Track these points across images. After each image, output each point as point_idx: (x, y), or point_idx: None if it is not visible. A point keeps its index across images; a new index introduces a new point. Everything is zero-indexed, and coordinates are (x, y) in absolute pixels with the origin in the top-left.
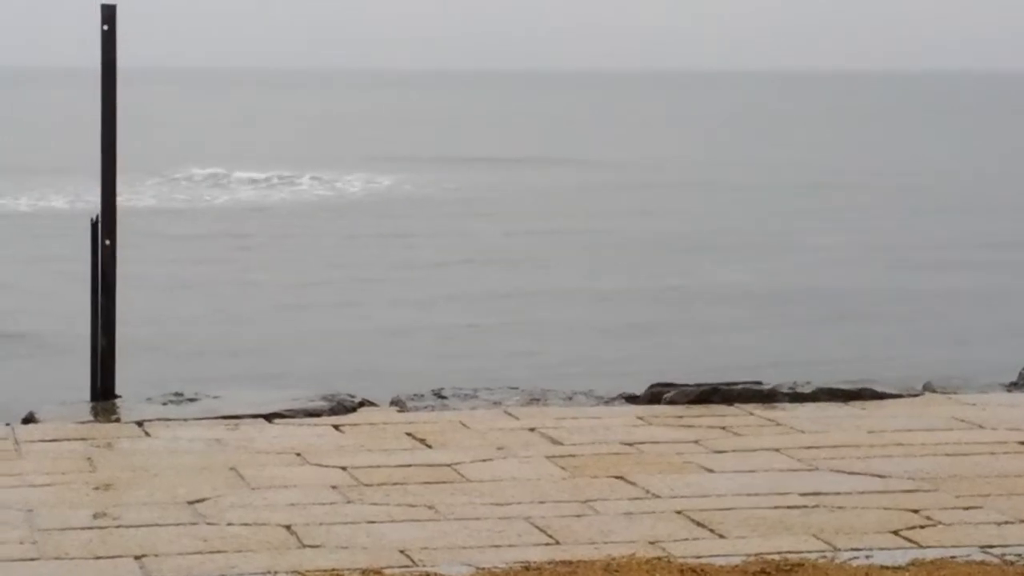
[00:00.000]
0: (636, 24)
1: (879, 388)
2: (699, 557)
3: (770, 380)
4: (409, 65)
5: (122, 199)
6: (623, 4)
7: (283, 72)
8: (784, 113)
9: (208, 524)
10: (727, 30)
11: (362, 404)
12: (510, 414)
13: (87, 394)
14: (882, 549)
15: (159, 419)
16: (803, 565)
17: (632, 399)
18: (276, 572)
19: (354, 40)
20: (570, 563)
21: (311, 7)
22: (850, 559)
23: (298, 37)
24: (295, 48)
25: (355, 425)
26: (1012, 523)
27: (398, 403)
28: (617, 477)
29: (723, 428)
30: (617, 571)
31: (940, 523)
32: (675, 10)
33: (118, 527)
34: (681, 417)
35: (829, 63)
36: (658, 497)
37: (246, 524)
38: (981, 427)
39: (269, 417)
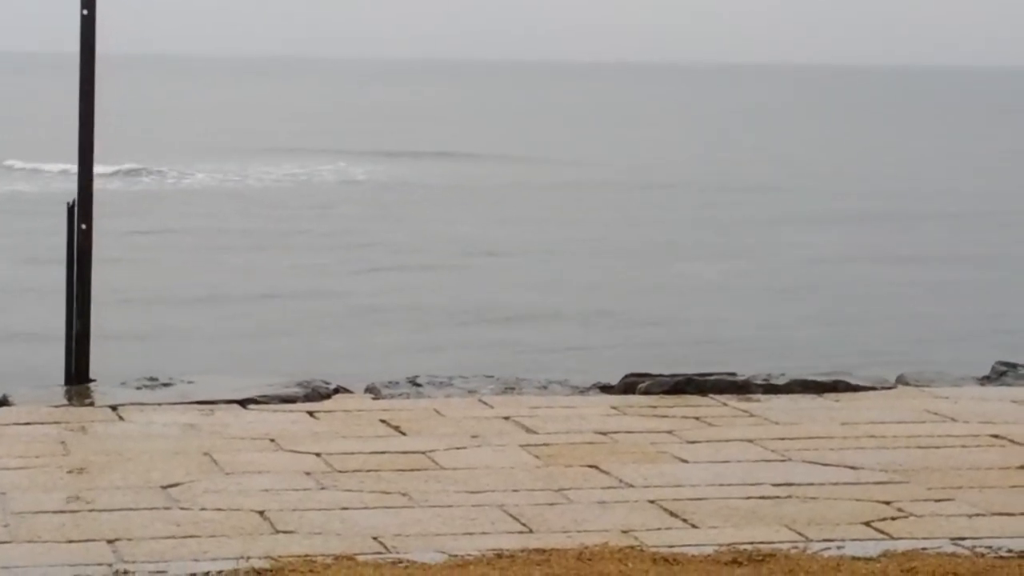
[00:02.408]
0: (636, 20)
1: (853, 380)
2: (672, 547)
3: (744, 371)
4: (410, 55)
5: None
6: (623, 1)
7: (282, 61)
8: (765, 109)
9: (181, 509)
10: (726, 25)
11: (337, 391)
12: (485, 402)
13: (61, 378)
14: (854, 540)
15: (133, 403)
16: (775, 556)
17: (607, 389)
18: (249, 557)
19: (358, 31)
20: (543, 551)
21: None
22: (822, 550)
23: (301, 27)
24: (297, 37)
25: (329, 412)
26: (983, 515)
27: (373, 390)
28: (591, 466)
29: (697, 418)
30: (590, 560)
31: (912, 515)
32: (675, 7)
33: (91, 511)
34: (655, 407)
35: (831, 58)
36: (631, 486)
37: (219, 509)
38: (954, 420)
39: (244, 403)
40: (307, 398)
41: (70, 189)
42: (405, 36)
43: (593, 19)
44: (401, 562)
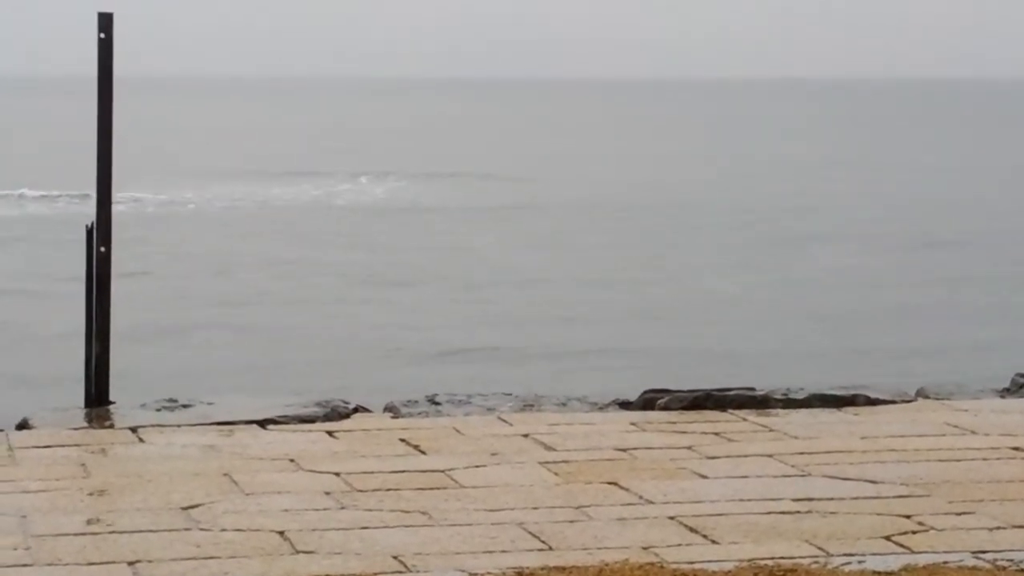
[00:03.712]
0: (638, 35)
1: (872, 394)
2: (692, 563)
3: (763, 386)
4: (419, 74)
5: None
6: (627, 14)
7: (294, 81)
8: (780, 123)
9: (202, 530)
10: (734, 40)
11: (356, 410)
12: (504, 420)
13: (81, 400)
14: (875, 555)
15: (153, 425)
16: (796, 571)
17: (625, 405)
18: None
19: (370, 49)
20: (563, 569)
21: (326, 17)
22: (843, 565)
23: (313, 47)
24: (310, 57)
25: (349, 431)
26: (1004, 528)
27: (392, 409)
28: (610, 483)
29: (716, 434)
30: None
31: (933, 529)
32: (673, 21)
33: (112, 533)
34: (674, 423)
35: (820, 71)
36: (651, 503)
37: (240, 530)
38: (974, 433)
39: (263, 423)
40: (326, 418)
41: (85, 213)
42: (425, 54)
43: (602, 34)
44: None
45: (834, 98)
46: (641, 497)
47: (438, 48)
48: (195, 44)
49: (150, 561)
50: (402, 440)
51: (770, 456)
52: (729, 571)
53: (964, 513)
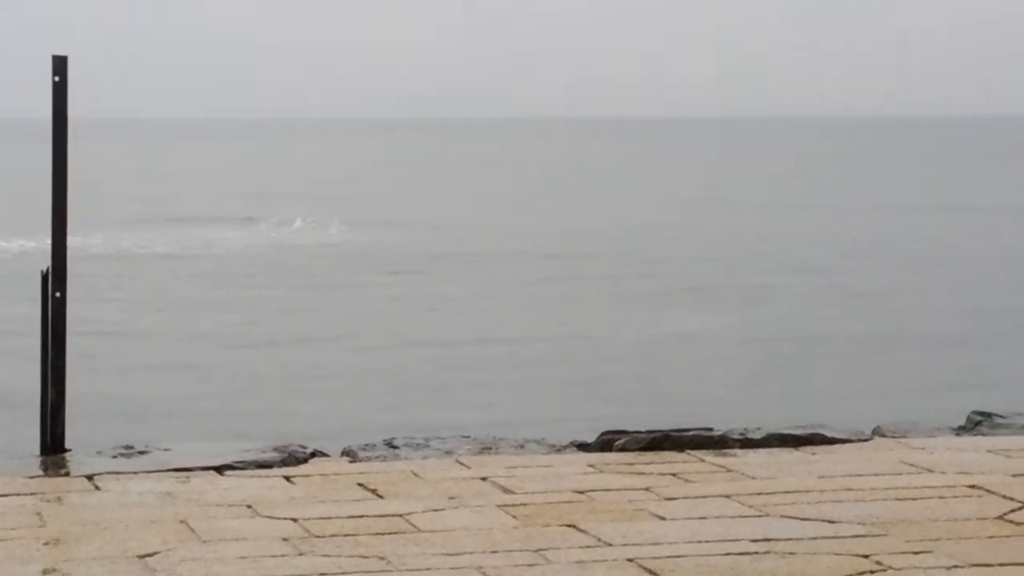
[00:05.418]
0: (640, 73)
1: (829, 433)
2: None
3: (721, 426)
4: (408, 115)
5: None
6: (634, 53)
7: (259, 123)
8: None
9: None
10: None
11: (313, 455)
12: (462, 463)
13: (36, 448)
14: None
15: (109, 472)
16: None
17: (583, 447)
18: None
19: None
20: None
21: (293, 56)
22: None
23: (292, 88)
24: (285, 99)
25: (306, 476)
26: (962, 567)
27: (349, 453)
28: (569, 525)
29: (674, 475)
30: None
31: (890, 568)
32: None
33: None
34: (632, 464)
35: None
36: (610, 545)
37: None
38: (930, 471)
39: (220, 469)
40: (284, 463)
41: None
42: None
43: (593, 73)
44: None
45: (818, 137)
46: (599, 539)
47: (417, 88)
48: (145, 87)
49: None
50: (360, 484)
51: (728, 497)
52: None
53: (922, 552)
